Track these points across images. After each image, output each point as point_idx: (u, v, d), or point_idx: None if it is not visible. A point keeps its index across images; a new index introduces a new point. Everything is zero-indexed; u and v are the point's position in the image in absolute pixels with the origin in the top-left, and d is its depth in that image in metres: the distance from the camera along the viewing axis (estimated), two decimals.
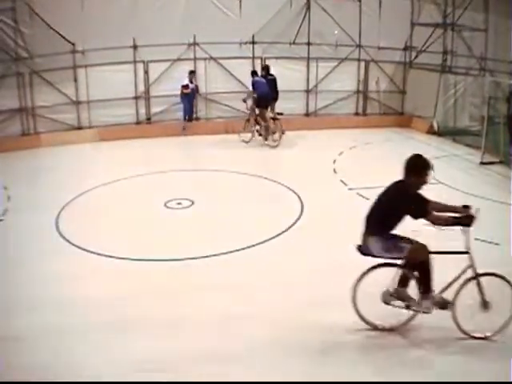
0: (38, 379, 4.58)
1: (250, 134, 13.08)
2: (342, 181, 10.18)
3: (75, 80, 14.00)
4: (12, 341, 5.19)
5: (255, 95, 12.78)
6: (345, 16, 14.51)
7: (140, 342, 5.09)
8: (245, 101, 13.18)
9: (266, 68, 13.55)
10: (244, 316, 5.49)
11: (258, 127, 13.05)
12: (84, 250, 7.29)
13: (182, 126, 14.01)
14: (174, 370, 4.67)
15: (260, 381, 4.50)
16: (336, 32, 14.46)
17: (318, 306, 5.60)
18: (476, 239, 7.03)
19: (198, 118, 14.07)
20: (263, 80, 13.06)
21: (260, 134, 13.01)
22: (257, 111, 12.94)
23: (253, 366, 4.72)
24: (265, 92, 12.72)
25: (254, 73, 13.43)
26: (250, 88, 13.08)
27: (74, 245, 7.50)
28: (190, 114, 14.22)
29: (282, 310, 5.62)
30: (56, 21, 13.95)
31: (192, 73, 13.99)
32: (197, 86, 14.22)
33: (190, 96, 14.04)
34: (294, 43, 14.34)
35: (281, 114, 13.12)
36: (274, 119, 12.91)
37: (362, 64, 14.81)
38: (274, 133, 12.88)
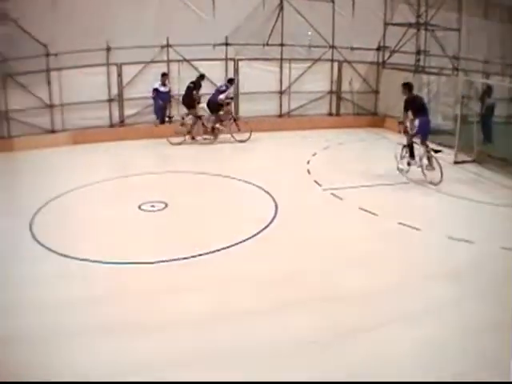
0: None
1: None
2: (315, 181, 10.27)
3: (49, 83, 13.96)
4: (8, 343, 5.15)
5: None
6: (318, 17, 14.61)
7: (112, 344, 5.09)
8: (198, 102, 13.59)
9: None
10: (218, 317, 5.52)
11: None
12: (58, 253, 7.26)
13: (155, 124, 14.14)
14: (148, 372, 4.67)
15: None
16: (310, 33, 14.55)
17: (291, 308, 5.68)
18: (450, 238, 7.42)
19: (170, 121, 14.10)
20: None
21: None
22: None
23: (232, 367, 4.72)
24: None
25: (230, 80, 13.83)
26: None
27: (47, 248, 7.46)
28: (161, 117, 14.24)
29: (255, 311, 5.64)
30: (28, 23, 13.93)
31: (164, 75, 14.02)
32: (170, 89, 14.22)
33: (161, 98, 14.05)
34: (267, 44, 14.40)
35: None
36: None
37: (336, 64, 14.91)
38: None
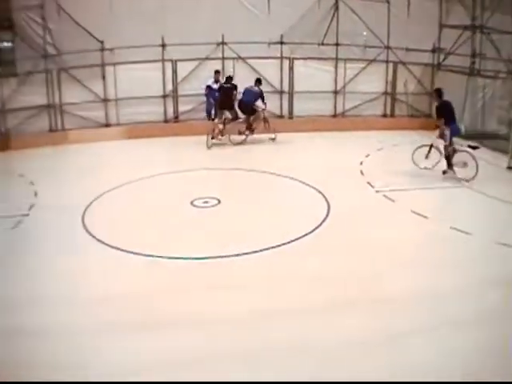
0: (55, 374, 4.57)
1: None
2: (368, 182, 10.13)
3: (103, 78, 14.03)
4: (32, 336, 5.18)
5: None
6: (373, 17, 14.42)
7: (163, 338, 5.09)
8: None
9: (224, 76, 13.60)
10: (268, 315, 5.46)
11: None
12: (110, 246, 7.29)
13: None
14: (191, 367, 4.65)
15: (262, 381, 4.46)
16: (365, 33, 14.38)
17: (340, 308, 5.62)
18: (502, 244, 7.21)
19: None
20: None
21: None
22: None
23: (267, 367, 4.67)
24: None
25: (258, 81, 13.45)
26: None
27: (99, 241, 7.50)
28: (210, 114, 14.14)
29: (305, 310, 5.58)
30: (84, 18, 14.01)
31: (217, 72, 13.93)
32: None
33: (212, 96, 13.97)
34: (322, 44, 14.27)
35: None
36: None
37: (390, 65, 14.70)
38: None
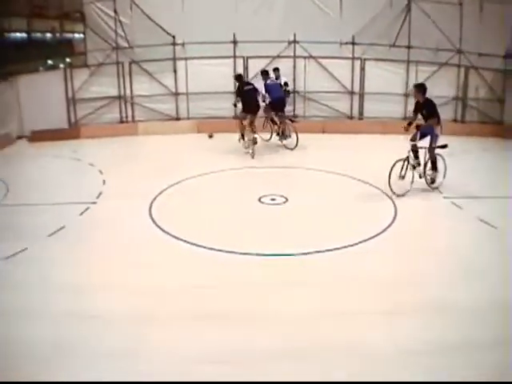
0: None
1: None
2: (437, 188, 9.88)
3: (175, 71, 14.15)
4: (93, 320, 5.36)
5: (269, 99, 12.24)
6: (445, 20, 14.19)
7: (216, 332, 5.13)
8: (235, 105, 12.59)
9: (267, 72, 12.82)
10: (331, 316, 5.44)
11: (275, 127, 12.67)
12: (176, 237, 7.38)
13: None
14: (243, 365, 4.67)
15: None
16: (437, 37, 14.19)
17: (403, 313, 5.50)
18: None
19: (295, 116, 13.97)
20: (277, 83, 12.63)
21: (278, 134, 12.58)
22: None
23: (326, 368, 4.63)
24: (281, 96, 12.41)
25: (265, 73, 12.68)
26: (263, 91, 12.27)
27: (165, 232, 7.60)
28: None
29: (367, 312, 5.51)
30: (155, 13, 14.18)
31: (276, 70, 13.66)
32: (285, 84, 13.94)
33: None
34: (393, 46, 14.13)
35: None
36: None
37: (462, 70, 14.48)
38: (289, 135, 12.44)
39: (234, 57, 14.08)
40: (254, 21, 13.91)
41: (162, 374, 4.55)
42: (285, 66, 13.92)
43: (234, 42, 14.05)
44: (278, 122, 12.53)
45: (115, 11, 14.47)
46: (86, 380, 4.49)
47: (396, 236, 7.64)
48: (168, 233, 7.57)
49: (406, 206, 8.80)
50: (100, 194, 9.47)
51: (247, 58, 14.03)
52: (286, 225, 8.02)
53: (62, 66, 15.24)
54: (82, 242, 7.49)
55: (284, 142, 12.50)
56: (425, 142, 9.46)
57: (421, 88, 9.38)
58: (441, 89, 14.35)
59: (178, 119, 14.08)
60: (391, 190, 9.05)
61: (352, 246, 7.14)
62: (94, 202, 9.03)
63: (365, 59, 14.03)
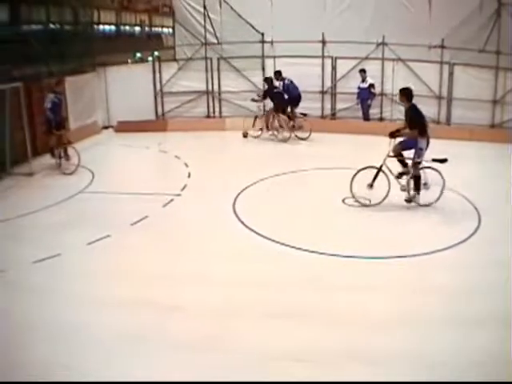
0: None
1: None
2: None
3: (263, 69, 14.40)
4: (175, 311, 5.50)
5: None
6: None
7: (295, 330, 5.16)
8: (255, 100, 13.47)
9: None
10: (400, 321, 5.36)
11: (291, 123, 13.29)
12: (258, 234, 7.44)
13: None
14: (320, 364, 4.66)
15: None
16: None
17: (469, 325, 5.32)
18: None
19: (382, 119, 14.08)
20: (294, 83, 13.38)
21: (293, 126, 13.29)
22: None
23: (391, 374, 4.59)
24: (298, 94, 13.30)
25: (278, 73, 13.48)
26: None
27: (250, 228, 7.65)
28: (365, 113, 14.24)
29: (436, 320, 5.40)
30: (245, 10, 14.43)
31: (362, 71, 13.93)
32: (371, 86, 14.10)
33: (361, 96, 14.08)
34: (482, 51, 14.03)
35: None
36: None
37: None
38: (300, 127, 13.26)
39: (323, 57, 14.24)
40: (342, 21, 14.06)
41: (240, 368, 4.61)
42: (372, 68, 14.05)
43: (323, 42, 14.20)
44: (291, 115, 13.26)
45: (204, 7, 14.81)
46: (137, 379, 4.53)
47: (475, 247, 7.24)
48: (253, 230, 7.61)
49: (490, 216, 8.18)
50: (185, 186, 9.71)
51: (336, 58, 14.16)
52: (363, 228, 7.91)
53: (150, 59, 15.73)
54: (163, 233, 7.66)
55: (296, 133, 13.20)
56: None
57: (405, 92, 8.38)
58: None
59: None
60: (353, 195, 8.60)
61: (441, 251, 6.96)
62: (179, 195, 9.26)
63: (453, 64, 13.98)
